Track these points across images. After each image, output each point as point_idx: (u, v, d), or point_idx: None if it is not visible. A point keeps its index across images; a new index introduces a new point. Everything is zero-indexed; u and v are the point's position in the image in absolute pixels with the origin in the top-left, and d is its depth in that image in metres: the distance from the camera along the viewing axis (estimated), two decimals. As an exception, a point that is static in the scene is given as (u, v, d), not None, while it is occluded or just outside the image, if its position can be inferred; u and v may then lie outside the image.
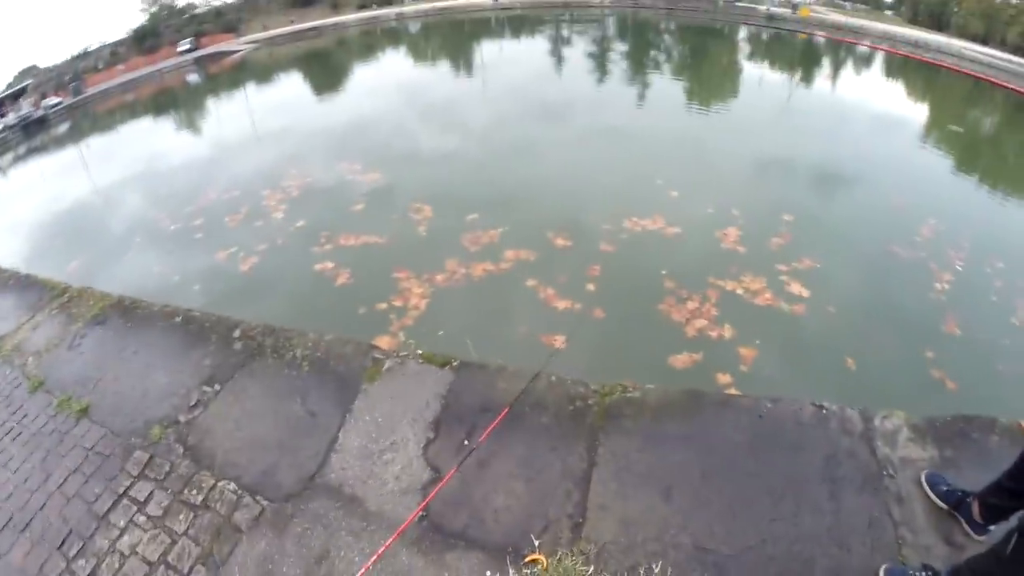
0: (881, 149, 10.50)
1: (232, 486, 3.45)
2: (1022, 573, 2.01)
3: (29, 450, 4.05)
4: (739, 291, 6.08)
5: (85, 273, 7.48)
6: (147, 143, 12.61)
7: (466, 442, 3.46)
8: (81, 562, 3.25)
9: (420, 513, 3.07)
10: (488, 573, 2.84)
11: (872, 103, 13.61)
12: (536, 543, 2.92)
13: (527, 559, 2.86)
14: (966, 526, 2.59)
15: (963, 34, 31.69)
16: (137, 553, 3.22)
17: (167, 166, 10.80)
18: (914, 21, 36.97)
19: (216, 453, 3.69)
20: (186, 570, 3.09)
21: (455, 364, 4.02)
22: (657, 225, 7.48)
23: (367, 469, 3.42)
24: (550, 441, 3.42)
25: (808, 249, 6.73)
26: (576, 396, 3.68)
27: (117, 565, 3.20)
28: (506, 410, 3.45)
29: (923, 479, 2.84)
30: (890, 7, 41.03)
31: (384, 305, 6.13)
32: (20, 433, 4.21)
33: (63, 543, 3.37)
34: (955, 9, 35.84)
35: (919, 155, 10.60)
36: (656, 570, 2.71)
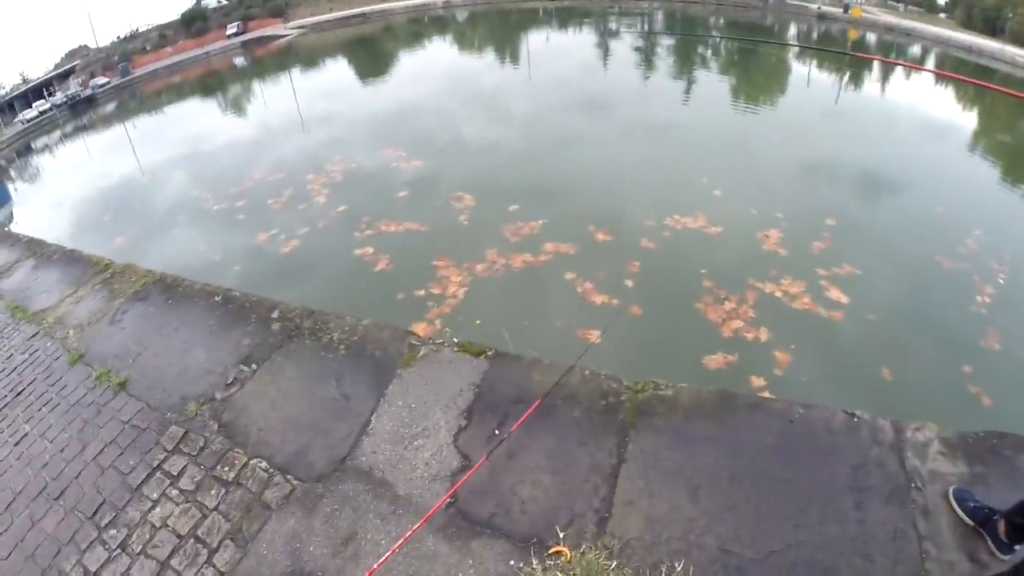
0: (928, 156, 10.20)
1: (264, 464, 3.52)
2: None
3: (67, 421, 4.17)
4: (778, 294, 5.98)
5: (129, 250, 7.64)
6: (193, 124, 12.81)
7: (497, 432, 3.46)
8: (113, 532, 3.35)
9: (448, 500, 3.07)
10: (512, 562, 2.85)
11: (921, 108, 13.22)
12: (561, 535, 2.92)
13: (551, 551, 2.86)
14: (991, 544, 2.52)
15: (1017, 40, 30.65)
16: (168, 525, 3.31)
17: (212, 147, 10.96)
18: (967, 25, 35.91)
19: (250, 431, 3.76)
20: (215, 544, 3.16)
21: (490, 354, 4.03)
22: (699, 224, 7.37)
23: (398, 454, 3.45)
24: (580, 435, 3.41)
25: (850, 255, 6.56)
26: (609, 391, 3.66)
27: (148, 536, 3.29)
28: (538, 402, 3.43)
29: (951, 494, 2.76)
30: (944, 9, 39.82)
31: (422, 292, 6.15)
32: (58, 404, 4.33)
33: (96, 512, 3.48)
34: (1010, 15, 34.66)
35: (967, 164, 10.26)
36: (679, 569, 2.69)
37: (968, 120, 12.58)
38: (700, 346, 5.39)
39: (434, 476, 3.30)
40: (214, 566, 3.08)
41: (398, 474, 3.34)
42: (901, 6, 35.80)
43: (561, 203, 7.91)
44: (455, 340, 4.16)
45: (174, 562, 3.14)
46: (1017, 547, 2.43)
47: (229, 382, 4.14)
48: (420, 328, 4.79)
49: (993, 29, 34.06)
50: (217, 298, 5.06)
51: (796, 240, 6.95)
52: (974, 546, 2.57)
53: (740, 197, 8.13)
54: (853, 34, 32.29)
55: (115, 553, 3.25)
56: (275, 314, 4.70)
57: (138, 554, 3.21)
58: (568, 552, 2.84)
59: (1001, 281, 6.14)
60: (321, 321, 4.56)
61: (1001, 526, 2.46)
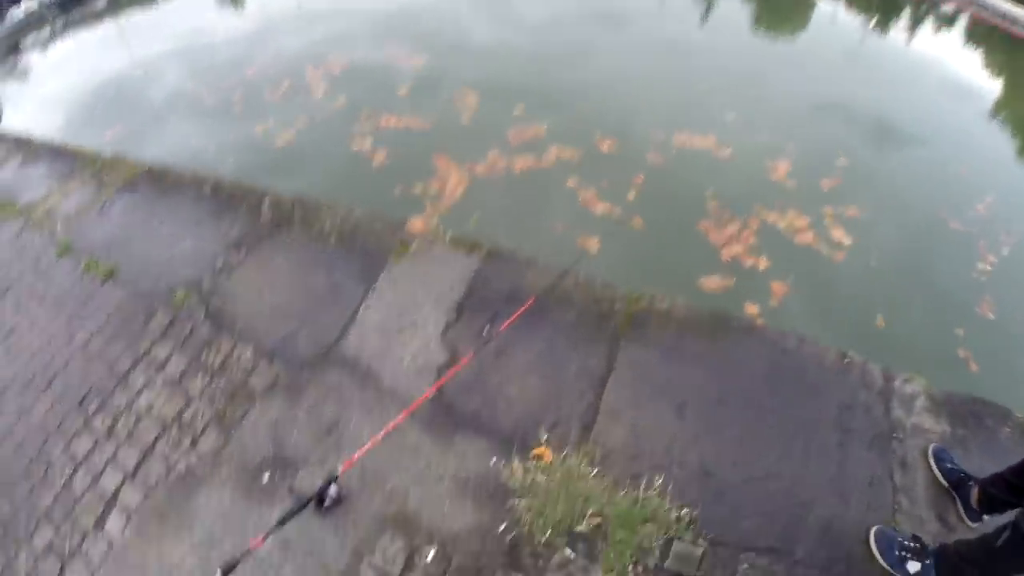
0: (950, 115, 9.68)
1: (250, 351, 3.48)
2: (1008, 569, 1.99)
3: (55, 313, 4.11)
4: (781, 225, 5.80)
5: (120, 143, 7.38)
6: (188, 18, 12.21)
7: (487, 330, 3.41)
8: (99, 419, 3.35)
9: (433, 393, 3.03)
10: (494, 460, 2.84)
11: (948, 65, 12.54)
12: (544, 437, 2.91)
13: (534, 452, 2.85)
14: (961, 509, 2.54)
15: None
16: (153, 412, 3.31)
17: (208, 40, 10.41)
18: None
19: (237, 319, 3.71)
20: (199, 430, 3.16)
21: (484, 251, 3.93)
22: (708, 144, 7.09)
23: (385, 345, 3.41)
24: (572, 339, 3.36)
25: (857, 198, 6.30)
26: (603, 298, 3.58)
27: (133, 422, 3.29)
28: (531, 302, 3.36)
29: (930, 451, 2.75)
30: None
31: (420, 189, 5.97)
32: (45, 296, 4.26)
33: (83, 401, 3.48)
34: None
35: (989, 129, 9.79)
36: (658, 482, 2.70)
37: (996, 85, 11.94)
38: (698, 266, 5.25)
39: (420, 369, 3.27)
40: (197, 451, 3.08)
41: (384, 365, 3.31)
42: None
43: (568, 109, 7.54)
44: (448, 235, 4.05)
45: (159, 447, 3.15)
46: (986, 517, 2.45)
47: (217, 270, 4.06)
48: (416, 224, 4.66)
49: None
50: (207, 187, 4.89)
51: (805, 174, 6.70)
52: (945, 507, 2.59)
53: (753, 124, 7.79)
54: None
55: (101, 439, 3.26)
56: (265, 204, 4.55)
57: (124, 440, 3.22)
58: (550, 454, 2.83)
59: (1005, 253, 6.00)
60: (313, 211, 4.43)
61: (974, 493, 2.47)
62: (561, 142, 6.84)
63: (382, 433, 2.70)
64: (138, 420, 3.28)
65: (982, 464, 2.59)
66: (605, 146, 6.87)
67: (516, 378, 3.18)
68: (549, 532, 2.59)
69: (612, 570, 2.47)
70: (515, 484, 2.75)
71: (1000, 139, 9.29)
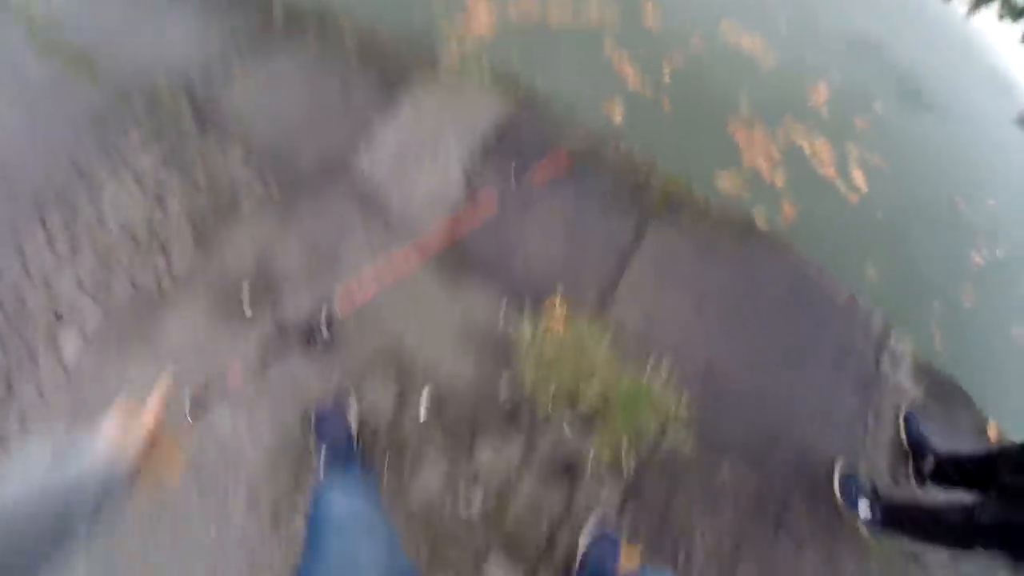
0: (993, 108, 9.48)
1: (239, 162, 3.04)
2: (945, 542, 2.23)
3: (23, 107, 3.49)
4: (807, 149, 5.52)
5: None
6: None
7: (514, 177, 3.07)
8: (56, 218, 2.90)
9: (446, 230, 2.75)
10: (503, 312, 2.58)
11: (1000, 56, 12.08)
12: (558, 298, 2.68)
13: (545, 308, 2.63)
14: (912, 471, 2.72)
15: None
16: (120, 220, 2.87)
17: None
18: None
19: (228, 122, 3.23)
20: (174, 245, 2.77)
21: (520, 95, 3.50)
22: (754, 46, 6.60)
23: (398, 172, 3.02)
24: (601, 206, 3.09)
25: (882, 146, 6.04)
26: (640, 170, 3.32)
27: (96, 226, 2.86)
28: (564, 158, 3.01)
29: (903, 411, 2.93)
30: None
31: (444, 20, 5.36)
32: (17, 89, 3.60)
33: (38, 198, 3.00)
34: None
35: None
36: (663, 366, 2.64)
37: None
38: (717, 164, 4.98)
39: (434, 203, 2.92)
40: (170, 268, 2.70)
41: (394, 194, 2.93)
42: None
43: None
44: (483, 69, 3.59)
45: (123, 257, 2.74)
46: (930, 485, 2.63)
47: (213, 71, 3.52)
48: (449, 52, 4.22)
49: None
50: None
51: (842, 107, 6.34)
52: (898, 465, 2.76)
53: (803, 39, 7.29)
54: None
55: (57, 241, 2.82)
56: (277, 5, 3.91)
57: (84, 246, 2.80)
58: (562, 314, 2.59)
59: (999, 255, 5.88)
60: (333, 23, 3.83)
61: (930, 461, 2.63)
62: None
63: (387, 273, 2.40)
64: (102, 224, 2.87)
65: (937, 441, 2.75)
66: (648, 12, 6.27)
67: (538, 234, 2.88)
68: (551, 402, 2.45)
69: (606, 448, 2.41)
70: (523, 343, 2.52)
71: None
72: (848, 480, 2.57)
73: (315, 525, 1.33)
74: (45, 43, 3.85)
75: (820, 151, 5.61)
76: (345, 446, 2.13)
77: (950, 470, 2.51)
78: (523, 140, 3.27)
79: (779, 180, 5.07)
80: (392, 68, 3.57)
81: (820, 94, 6.41)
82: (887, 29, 9.17)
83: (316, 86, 3.43)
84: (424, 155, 3.10)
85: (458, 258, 2.73)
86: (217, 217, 2.86)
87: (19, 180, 3.09)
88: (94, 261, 2.75)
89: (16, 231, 2.86)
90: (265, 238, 2.77)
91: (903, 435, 2.84)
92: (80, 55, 3.70)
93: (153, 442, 1.01)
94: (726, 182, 4.84)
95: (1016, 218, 6.64)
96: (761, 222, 4.59)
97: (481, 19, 5.50)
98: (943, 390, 3.16)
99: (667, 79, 5.59)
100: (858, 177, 5.56)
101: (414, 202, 2.91)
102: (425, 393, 2.36)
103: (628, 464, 2.40)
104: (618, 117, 4.91)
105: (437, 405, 2.36)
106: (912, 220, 5.63)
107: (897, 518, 2.40)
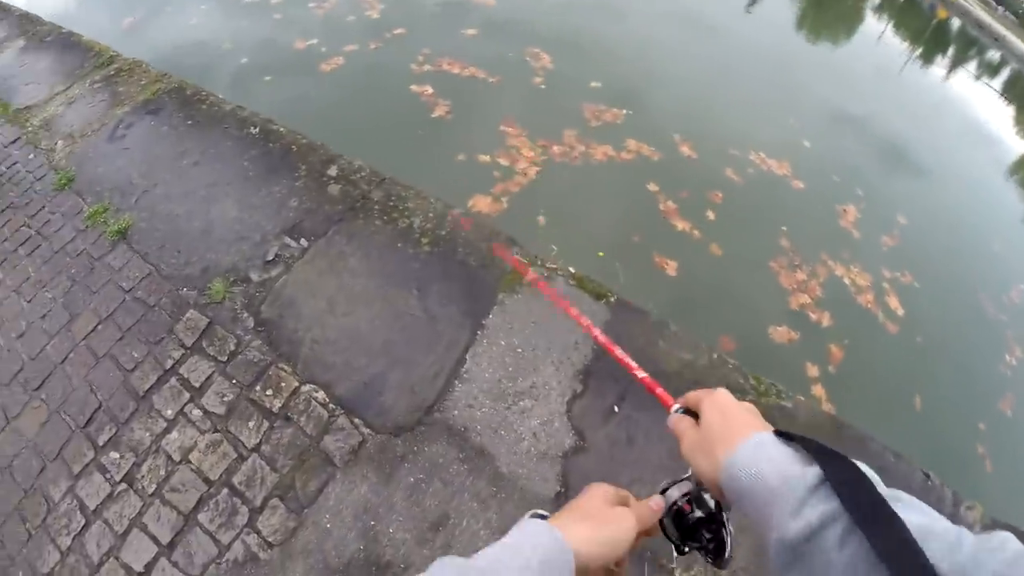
0: (996, 186, 9.62)
1: (322, 395, 2.61)
2: None
3: (49, 273, 3.16)
4: (846, 280, 5.47)
5: (140, 36, 6.28)
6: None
7: (616, 408, 2.66)
8: (114, 455, 2.49)
9: (558, 489, 2.37)
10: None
11: (992, 127, 12.37)
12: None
13: None
14: None
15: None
16: (191, 461, 2.45)
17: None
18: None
19: (300, 340, 2.79)
20: (258, 502, 2.34)
21: (612, 299, 3.07)
22: (784, 172, 6.52)
23: (500, 414, 2.59)
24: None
25: (912, 263, 5.98)
26: (735, 388, 2.89)
27: (163, 472, 2.43)
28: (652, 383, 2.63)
29: None
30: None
31: (487, 158, 5.03)
32: (39, 246, 3.30)
33: (90, 422, 2.59)
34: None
35: None
36: None
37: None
38: (768, 312, 4.87)
39: (543, 454, 2.50)
40: (258, 532, 2.27)
41: (500, 443, 2.51)
42: (1001, 10, 31.72)
43: (646, 100, 6.74)
44: (571, 270, 3.16)
45: (203, 517, 2.32)
46: None
47: (270, 259, 3.09)
48: (482, 203, 3.90)
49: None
50: (254, 129, 3.86)
51: (871, 226, 6.34)
52: None
53: (827, 156, 7.30)
54: (943, 14, 28.99)
55: (119, 488, 2.41)
56: (332, 171, 3.56)
57: (152, 495, 2.38)
58: None
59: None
60: (396, 195, 3.43)
61: None
62: (640, 135, 6.17)
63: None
64: (170, 469, 2.44)
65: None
66: (684, 149, 6.20)
67: (650, 473, 2.46)
68: None
69: None
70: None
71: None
72: None
73: None
74: (66, 179, 3.63)
75: (858, 281, 5.57)
76: None
77: None
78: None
79: (825, 320, 4.99)
80: (473, 265, 3.16)
81: (850, 216, 6.39)
82: (864, 103, 9.32)
83: (390, 290, 3.03)
84: (523, 390, 2.70)
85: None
86: (305, 467, 2.52)
87: (61, 387, 2.74)
88: (166, 512, 2.37)
89: (67, 462, 2.47)
90: (365, 498, 2.36)
91: None
92: (107, 206, 3.47)
93: None
94: (779, 334, 4.67)
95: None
96: (811, 371, 4.44)
97: (524, 157, 5.22)
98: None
99: (712, 218, 5.37)
100: (894, 302, 5.53)
101: (520, 449, 2.51)
102: None
103: None
104: (671, 270, 4.66)
105: None
106: (948, 338, 5.51)
107: None
